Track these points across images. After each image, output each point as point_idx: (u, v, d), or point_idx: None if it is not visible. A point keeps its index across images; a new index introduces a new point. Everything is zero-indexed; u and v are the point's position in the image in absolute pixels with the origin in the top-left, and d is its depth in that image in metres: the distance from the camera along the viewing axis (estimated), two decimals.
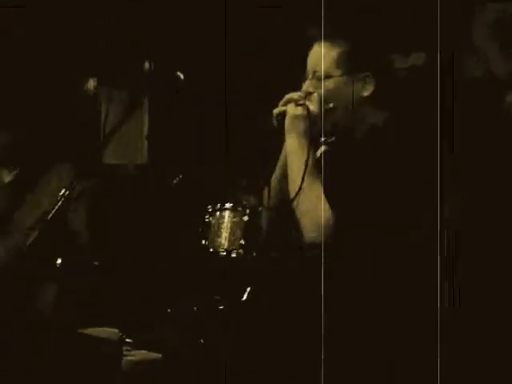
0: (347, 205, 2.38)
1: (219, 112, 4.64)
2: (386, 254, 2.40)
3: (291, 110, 2.52)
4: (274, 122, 2.57)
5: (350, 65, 2.53)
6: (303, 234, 2.42)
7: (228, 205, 4.15)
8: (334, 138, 2.62)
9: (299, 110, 2.51)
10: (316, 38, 2.60)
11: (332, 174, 2.46)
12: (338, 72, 2.52)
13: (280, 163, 2.61)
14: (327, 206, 2.38)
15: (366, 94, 2.54)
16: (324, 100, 2.54)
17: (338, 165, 2.50)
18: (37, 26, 5.20)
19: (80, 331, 3.12)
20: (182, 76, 3.03)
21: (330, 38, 2.55)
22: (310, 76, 2.58)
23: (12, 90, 3.80)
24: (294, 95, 2.56)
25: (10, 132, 3.61)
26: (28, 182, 3.55)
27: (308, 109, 2.50)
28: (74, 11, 5.21)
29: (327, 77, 2.53)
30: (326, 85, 2.53)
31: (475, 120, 3.36)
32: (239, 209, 4.07)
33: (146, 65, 5.14)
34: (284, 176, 2.54)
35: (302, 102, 2.53)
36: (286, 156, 2.54)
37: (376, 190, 2.38)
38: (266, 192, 2.65)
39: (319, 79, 2.54)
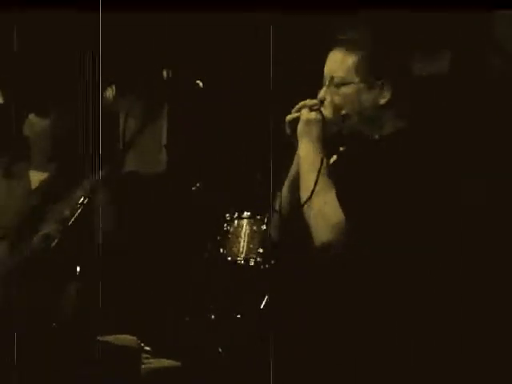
0: (360, 208, 2.38)
1: (237, 120, 4.65)
2: (399, 257, 2.39)
3: (305, 115, 2.52)
4: (287, 130, 2.56)
5: (368, 72, 2.52)
6: (314, 237, 2.41)
7: (246, 213, 4.16)
8: (344, 148, 2.61)
9: (313, 115, 2.50)
10: (334, 45, 2.60)
11: (345, 178, 2.45)
12: (355, 79, 2.52)
13: (292, 172, 2.59)
14: (340, 209, 2.37)
15: (382, 101, 2.52)
16: (338, 106, 2.52)
17: (352, 169, 2.49)
18: (56, 35, 5.24)
19: (99, 338, 3.13)
20: (201, 84, 3.04)
21: (348, 44, 2.54)
22: (327, 82, 2.57)
23: (30, 97, 3.84)
24: (308, 101, 2.56)
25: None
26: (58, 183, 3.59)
27: (322, 114, 2.50)
28: (92, 20, 5.23)
29: (344, 83, 2.52)
30: (343, 91, 2.53)
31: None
32: (257, 217, 4.08)
33: (164, 73, 5.16)
34: (295, 183, 2.52)
35: (316, 108, 2.53)
36: (297, 163, 2.53)
37: (389, 194, 2.37)
38: (278, 199, 2.64)
39: (336, 86, 2.54)
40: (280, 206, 2.62)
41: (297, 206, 2.50)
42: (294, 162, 2.59)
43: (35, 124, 3.64)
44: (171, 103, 3.84)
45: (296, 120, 2.54)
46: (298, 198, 2.49)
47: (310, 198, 2.40)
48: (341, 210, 2.37)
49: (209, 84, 3.03)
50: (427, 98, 3.29)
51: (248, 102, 4.52)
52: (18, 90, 4.85)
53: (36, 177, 3.65)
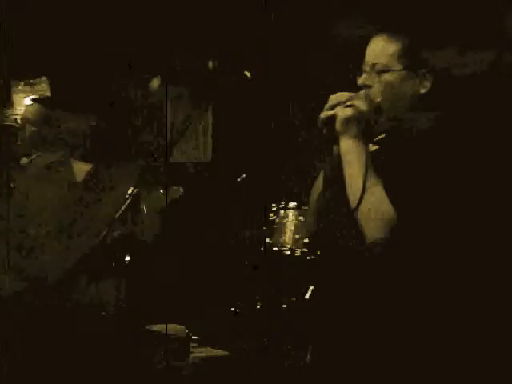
0: (410, 203, 2.35)
1: (284, 110, 4.65)
2: (453, 253, 2.37)
3: (341, 112, 2.44)
4: (322, 127, 2.51)
5: (410, 60, 2.49)
6: (366, 234, 2.38)
7: (292, 204, 4.16)
8: (384, 136, 2.58)
9: (349, 112, 2.43)
10: (375, 32, 2.57)
11: (390, 171, 2.42)
12: (398, 66, 2.49)
13: (328, 167, 2.54)
14: (391, 205, 2.35)
15: (423, 90, 2.49)
16: (375, 95, 2.49)
17: (396, 161, 2.46)
18: (100, 26, 5.27)
19: (148, 328, 3.15)
20: (249, 75, 3.03)
21: (391, 31, 2.52)
22: (368, 69, 2.51)
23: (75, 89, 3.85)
24: (341, 96, 2.51)
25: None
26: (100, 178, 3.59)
27: (358, 108, 2.46)
28: (138, 11, 5.26)
29: (386, 70, 2.49)
30: (385, 78, 2.50)
31: None
32: (303, 208, 4.07)
33: (210, 63, 5.17)
34: (332, 179, 2.49)
35: (350, 103, 2.45)
36: (334, 159, 2.48)
37: (439, 187, 2.35)
38: (314, 194, 2.61)
39: (378, 73, 2.50)
40: (318, 201, 2.59)
41: (336, 203, 2.47)
42: (331, 158, 2.54)
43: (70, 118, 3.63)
44: (218, 94, 3.83)
45: (331, 117, 2.48)
46: (335, 194, 2.46)
47: (362, 196, 2.37)
48: (391, 206, 2.34)
49: (257, 74, 3.02)
50: (469, 89, 3.25)
51: (297, 92, 4.51)
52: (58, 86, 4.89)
53: (80, 168, 3.65)
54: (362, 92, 2.48)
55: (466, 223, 2.37)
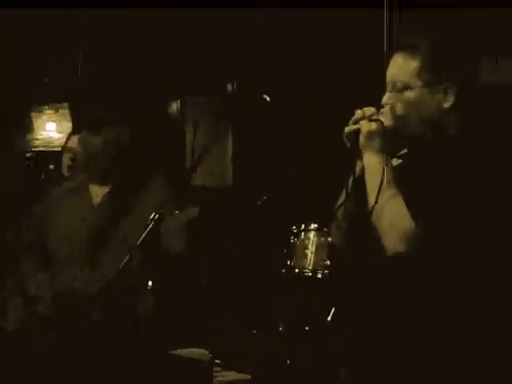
0: (431, 215, 2.35)
1: (304, 132, 4.65)
2: (474, 264, 2.36)
3: (365, 126, 2.47)
4: (346, 142, 2.53)
5: (430, 76, 2.49)
6: (386, 247, 2.39)
7: (313, 225, 4.16)
8: (406, 151, 2.58)
9: (374, 126, 2.46)
10: (396, 50, 2.57)
11: (413, 184, 2.42)
12: (418, 83, 2.49)
13: (351, 182, 2.55)
14: (409, 217, 2.35)
15: (447, 105, 2.49)
16: (399, 111, 2.49)
17: (419, 175, 2.46)
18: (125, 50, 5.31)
19: (171, 352, 3.16)
20: (268, 98, 3.05)
21: (411, 48, 2.52)
22: (390, 88, 2.53)
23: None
24: (366, 111, 2.53)
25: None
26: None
27: (382, 123, 2.47)
28: (156, 37, 5.30)
29: (407, 88, 2.50)
30: (407, 96, 2.50)
31: None
32: (324, 229, 4.07)
33: (229, 86, 5.19)
34: (357, 194, 2.50)
35: (375, 118, 2.48)
36: (358, 173, 2.49)
37: (459, 199, 2.34)
38: (340, 210, 2.61)
39: (399, 91, 2.51)
40: (343, 216, 2.60)
41: (359, 217, 2.48)
42: (355, 172, 2.55)
43: (90, 141, 3.56)
44: (237, 117, 3.85)
45: (355, 132, 2.51)
46: (361, 209, 2.48)
47: (373, 207, 2.37)
48: (410, 218, 2.35)
49: (276, 98, 3.04)
50: (493, 102, 3.24)
51: (316, 115, 4.52)
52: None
53: (97, 191, 3.61)
54: (387, 107, 2.49)
55: (495, 238, 2.36)
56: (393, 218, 2.36)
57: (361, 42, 4.38)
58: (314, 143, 4.62)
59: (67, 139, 4.41)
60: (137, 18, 5.34)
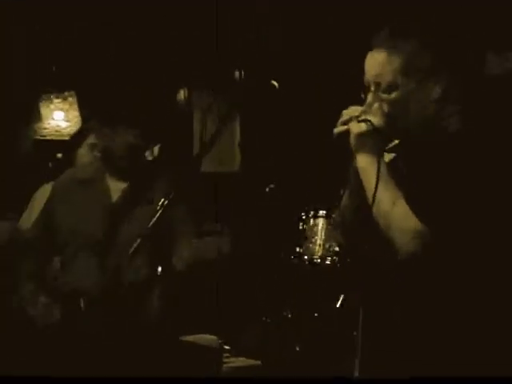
0: (436, 214, 2.32)
1: (311, 119, 4.65)
2: (479, 260, 2.34)
3: (355, 127, 2.36)
4: (337, 142, 2.45)
5: (416, 71, 2.41)
6: (398, 249, 2.36)
7: (322, 212, 4.16)
8: (396, 142, 2.52)
9: (363, 127, 2.35)
10: (374, 45, 2.38)
11: (411, 181, 2.38)
12: (404, 81, 2.42)
13: (350, 182, 2.51)
14: (414, 216, 2.32)
15: (436, 96, 2.41)
16: (387, 110, 2.41)
17: (416, 172, 2.42)
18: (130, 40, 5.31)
19: (181, 338, 3.16)
20: (276, 85, 3.03)
21: (393, 43, 2.35)
22: (373, 88, 2.39)
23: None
24: (354, 111, 2.40)
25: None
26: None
27: (372, 123, 2.43)
28: (166, 26, 5.29)
29: (393, 88, 2.43)
30: (393, 97, 2.35)
31: None
32: (333, 216, 4.06)
33: (236, 73, 5.19)
34: (355, 192, 2.46)
35: (363, 118, 2.36)
36: (355, 174, 2.44)
37: (463, 196, 2.31)
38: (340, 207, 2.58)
39: (384, 91, 2.42)
40: (343, 214, 2.56)
41: (360, 216, 2.44)
42: (351, 174, 2.50)
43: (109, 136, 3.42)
44: (245, 103, 3.84)
45: (345, 133, 2.44)
46: (360, 207, 2.43)
47: (371, 207, 2.33)
48: (415, 217, 2.31)
49: (284, 84, 3.02)
50: (496, 96, 3.22)
51: (323, 101, 4.51)
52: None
53: (115, 186, 3.43)
54: (376, 105, 2.42)
55: (498, 237, 2.34)
56: (398, 219, 2.32)
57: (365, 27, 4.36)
58: (322, 129, 4.61)
59: (84, 135, 4.21)
60: (143, 5, 5.33)
